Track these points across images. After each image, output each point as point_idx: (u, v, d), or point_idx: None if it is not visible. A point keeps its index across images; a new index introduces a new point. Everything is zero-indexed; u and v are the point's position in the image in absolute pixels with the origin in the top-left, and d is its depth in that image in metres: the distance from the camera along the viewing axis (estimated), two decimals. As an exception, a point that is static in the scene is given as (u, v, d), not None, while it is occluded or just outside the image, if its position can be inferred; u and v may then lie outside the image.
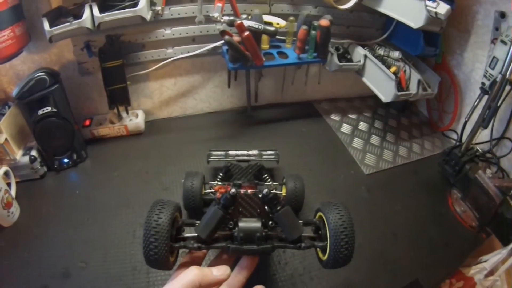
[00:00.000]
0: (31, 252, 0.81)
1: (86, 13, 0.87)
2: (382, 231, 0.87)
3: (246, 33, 0.88)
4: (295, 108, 1.27)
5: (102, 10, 0.88)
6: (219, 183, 0.89)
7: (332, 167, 1.03)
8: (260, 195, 0.49)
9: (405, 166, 1.07)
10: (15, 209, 0.89)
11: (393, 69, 1.08)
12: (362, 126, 1.19)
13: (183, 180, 0.86)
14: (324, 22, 0.96)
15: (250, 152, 0.93)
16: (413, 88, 1.06)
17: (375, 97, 1.07)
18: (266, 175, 0.90)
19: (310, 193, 0.86)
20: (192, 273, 0.41)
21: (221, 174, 0.91)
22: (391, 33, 1.14)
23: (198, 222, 0.51)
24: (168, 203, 0.52)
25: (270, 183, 0.88)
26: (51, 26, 0.86)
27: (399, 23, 1.06)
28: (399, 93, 1.01)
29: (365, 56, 1.07)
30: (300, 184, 0.83)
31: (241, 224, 0.48)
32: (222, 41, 0.98)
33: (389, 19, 1.11)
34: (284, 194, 0.84)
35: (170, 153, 1.08)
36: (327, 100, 1.30)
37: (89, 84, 1.09)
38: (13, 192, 0.93)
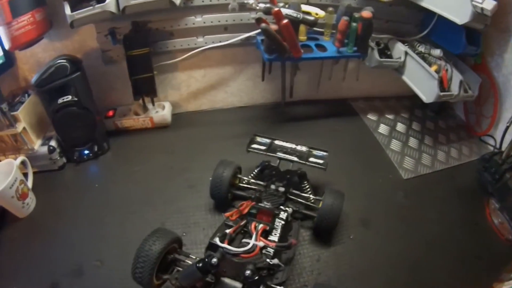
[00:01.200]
0: (44, 246, 0.75)
1: (110, -4, 0.78)
2: (417, 239, 0.78)
3: (285, 21, 0.77)
4: (331, 106, 1.16)
5: (128, -7, 0.78)
6: (252, 180, 0.80)
7: (370, 170, 0.92)
8: (246, 272, 0.49)
9: (443, 172, 0.96)
10: (31, 200, 0.83)
11: (434, 67, 0.96)
12: (400, 127, 1.08)
13: (210, 178, 0.78)
14: (366, 13, 0.85)
15: (298, 148, 0.81)
16: (454, 89, 0.95)
17: (411, 98, 0.97)
18: (306, 184, 0.79)
19: (348, 198, 0.76)
20: None
21: (255, 171, 0.82)
22: (430, 29, 1.03)
23: (192, 257, 0.56)
24: (166, 234, 0.55)
25: (310, 193, 0.78)
26: (72, 10, 0.77)
27: (439, 20, 0.95)
28: (441, 93, 0.90)
29: (406, 53, 0.96)
30: (339, 204, 0.72)
31: (222, 282, 0.49)
32: (257, 31, 0.88)
33: (428, 15, 1.00)
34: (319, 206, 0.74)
35: (197, 148, 0.99)
36: (363, 99, 1.18)
37: (113, 73, 1.00)
38: (29, 182, 0.86)
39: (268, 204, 0.70)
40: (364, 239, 0.77)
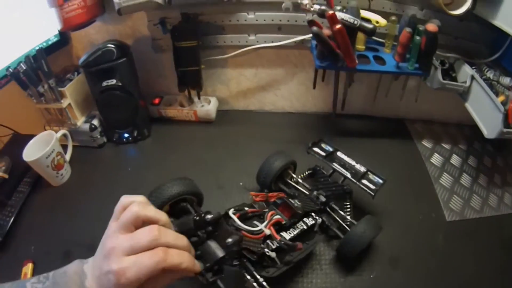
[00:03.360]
0: (67, 216, 0.74)
1: (160, -14, 0.72)
2: (450, 290, 0.62)
3: (338, 26, 0.65)
4: (385, 124, 1.00)
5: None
6: (299, 180, 0.72)
7: (413, 203, 0.77)
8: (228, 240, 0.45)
9: (491, 219, 0.77)
10: (65, 172, 0.82)
11: (500, 98, 0.79)
12: (455, 160, 0.90)
13: (241, 183, 0.72)
14: (432, 26, 0.69)
15: (357, 166, 0.71)
16: (520, 127, 0.77)
17: (473, 127, 0.80)
18: (348, 204, 0.68)
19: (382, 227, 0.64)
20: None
21: (306, 173, 0.74)
22: (502, 53, 0.85)
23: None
24: (190, 186, 0.56)
25: (348, 214, 0.67)
26: (121, -3, 0.72)
27: (512, 42, 0.78)
28: (505, 130, 0.73)
29: (472, 77, 0.80)
30: (369, 235, 0.60)
31: (207, 244, 0.45)
32: (311, 35, 0.77)
33: (502, 36, 0.81)
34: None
35: (238, 148, 0.90)
36: (421, 121, 1.01)
37: (163, 61, 0.95)
38: (68, 155, 0.85)
39: (299, 204, 0.62)
40: (388, 281, 0.63)
